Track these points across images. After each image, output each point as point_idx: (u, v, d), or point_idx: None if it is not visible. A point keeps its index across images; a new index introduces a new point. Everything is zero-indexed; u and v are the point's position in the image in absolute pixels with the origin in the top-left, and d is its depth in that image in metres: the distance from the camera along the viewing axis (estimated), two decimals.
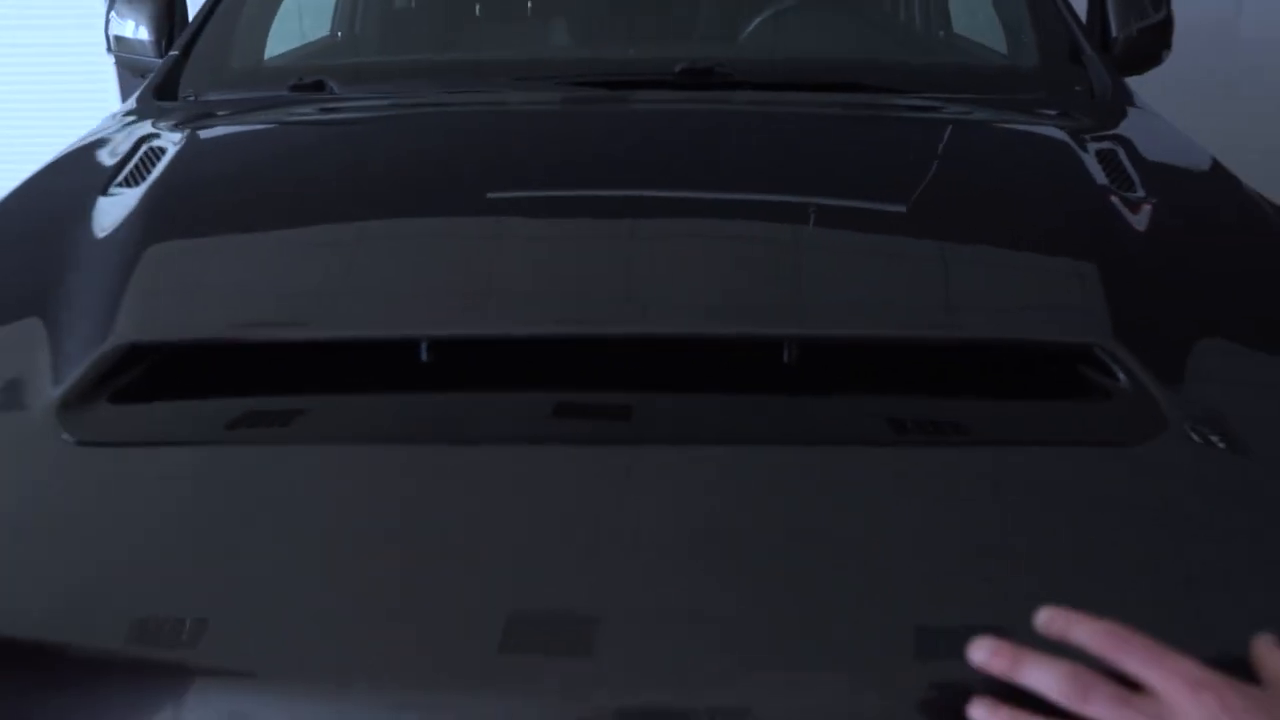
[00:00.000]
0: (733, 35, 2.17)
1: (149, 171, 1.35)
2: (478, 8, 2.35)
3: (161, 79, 1.93)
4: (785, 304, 1.04)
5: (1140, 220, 1.24)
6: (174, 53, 2.02)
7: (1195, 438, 0.87)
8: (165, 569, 0.78)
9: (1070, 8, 2.14)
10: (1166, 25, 2.19)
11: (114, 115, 1.84)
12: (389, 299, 1.05)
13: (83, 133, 1.75)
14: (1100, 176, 1.34)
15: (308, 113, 1.71)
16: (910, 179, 1.34)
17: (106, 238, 1.16)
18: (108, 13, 2.32)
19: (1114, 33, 2.16)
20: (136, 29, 2.23)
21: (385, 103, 1.73)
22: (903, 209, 1.26)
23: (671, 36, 2.10)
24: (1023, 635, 0.67)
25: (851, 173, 1.39)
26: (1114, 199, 1.28)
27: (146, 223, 1.18)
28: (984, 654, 0.67)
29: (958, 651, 0.67)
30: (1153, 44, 2.19)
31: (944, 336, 1.00)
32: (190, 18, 2.27)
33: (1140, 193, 1.33)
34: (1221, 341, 1.02)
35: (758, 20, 2.17)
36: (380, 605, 0.73)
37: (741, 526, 0.79)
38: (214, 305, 1.07)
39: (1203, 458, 0.87)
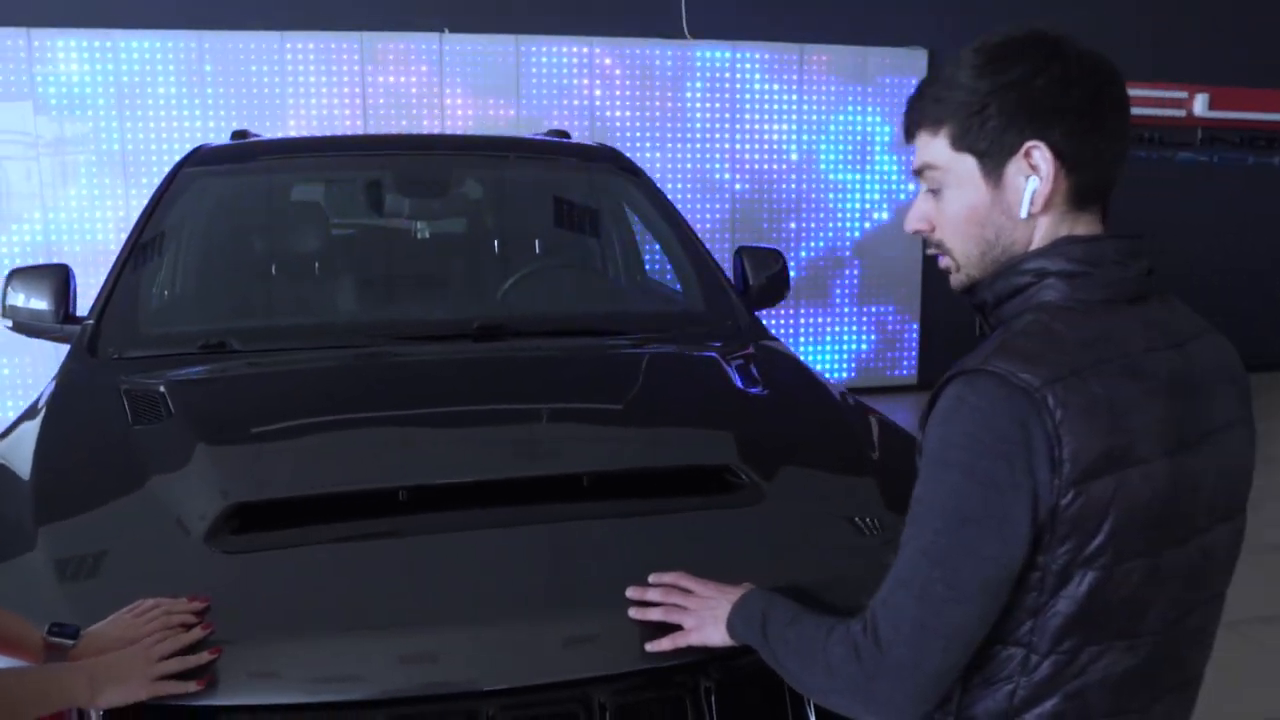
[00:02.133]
0: (489, 297, 3.07)
1: (158, 410, 2.09)
2: (299, 272, 3.15)
3: (88, 342, 2.60)
4: (535, 456, 1.94)
5: (756, 400, 2.26)
6: (90, 321, 2.70)
7: (775, 505, 1.83)
8: (303, 607, 1.54)
9: (718, 266, 3.23)
10: (783, 274, 3.33)
11: (64, 370, 2.49)
12: (364, 468, 1.87)
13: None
14: (736, 378, 2.36)
15: (243, 365, 2.48)
16: (620, 385, 2.32)
17: (170, 450, 1.90)
18: (4, 288, 2.93)
19: (750, 281, 3.28)
20: (36, 300, 2.87)
21: (279, 355, 2.52)
22: (617, 402, 2.23)
23: (451, 300, 3.00)
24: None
25: (579, 384, 2.35)
26: (740, 388, 2.30)
27: (199, 439, 1.92)
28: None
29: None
30: (775, 288, 3.32)
31: (653, 465, 1.92)
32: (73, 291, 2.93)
33: (758, 386, 2.36)
34: (798, 461, 2.01)
35: (508, 283, 3.12)
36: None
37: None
38: (273, 478, 1.85)
39: (779, 513, 1.82)
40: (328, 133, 6.68)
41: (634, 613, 1.49)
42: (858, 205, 7.64)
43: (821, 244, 7.65)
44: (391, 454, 1.95)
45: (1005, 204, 1.21)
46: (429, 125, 6.93)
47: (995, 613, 1.15)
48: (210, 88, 6.70)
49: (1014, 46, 1.21)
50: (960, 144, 1.23)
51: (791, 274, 7.20)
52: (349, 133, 6.70)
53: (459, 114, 7.00)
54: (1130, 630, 1.17)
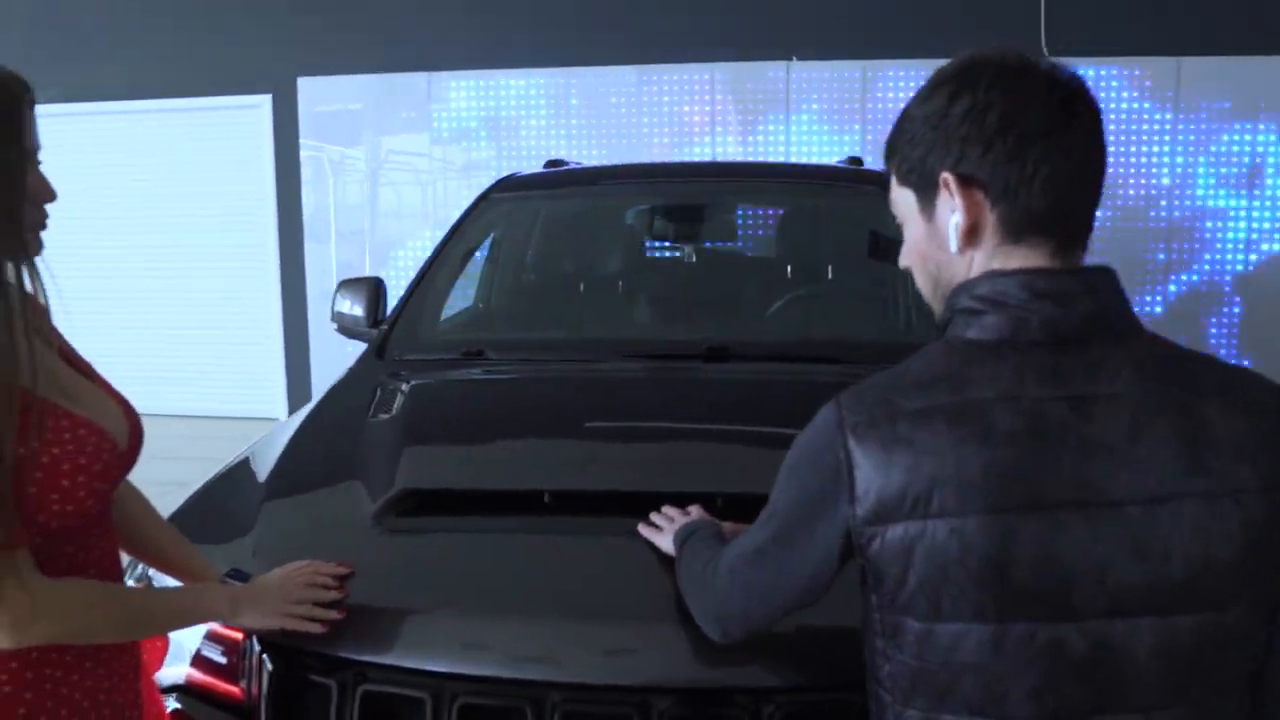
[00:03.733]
0: (752, 320, 3.19)
1: (391, 405, 2.41)
2: (576, 292, 3.44)
3: (378, 345, 3.03)
4: (679, 474, 2.02)
5: None
6: (384, 327, 3.13)
7: None
8: (433, 581, 1.75)
9: None
10: None
11: (350, 370, 2.92)
12: (524, 470, 2.06)
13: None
14: None
15: (478, 372, 2.77)
16: (801, 413, 2.33)
17: (382, 438, 2.20)
18: (335, 296, 3.46)
19: None
20: (354, 306, 3.36)
21: (517, 366, 2.79)
22: (788, 428, 2.25)
23: (704, 322, 3.14)
24: None
25: (764, 408, 2.40)
26: None
27: (402, 433, 2.22)
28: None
29: None
30: None
31: None
32: (388, 301, 3.40)
33: None
34: None
35: (773, 308, 3.22)
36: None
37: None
38: (443, 471, 2.09)
39: None
40: (679, 158, 7.08)
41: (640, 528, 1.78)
42: (1242, 234, 6.87)
43: (1195, 277, 6.95)
44: (555, 459, 2.13)
45: (940, 238, 1.18)
46: (771, 151, 7.12)
47: (799, 601, 1.25)
48: (575, 119, 7.33)
49: (947, 73, 1.17)
50: (900, 177, 1.22)
51: (1157, 309, 6.68)
52: (696, 159, 7.06)
53: (802, 139, 7.13)
54: (993, 710, 1.09)
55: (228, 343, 8.22)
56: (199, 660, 1.79)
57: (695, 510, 1.74)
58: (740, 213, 3.74)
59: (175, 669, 1.81)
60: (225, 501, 2.10)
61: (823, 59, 7.07)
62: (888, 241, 3.55)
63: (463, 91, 7.46)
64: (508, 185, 3.69)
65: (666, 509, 1.78)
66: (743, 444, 2.21)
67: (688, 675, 1.56)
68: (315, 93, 7.71)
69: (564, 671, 1.58)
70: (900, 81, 7.00)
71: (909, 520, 1.07)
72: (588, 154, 7.31)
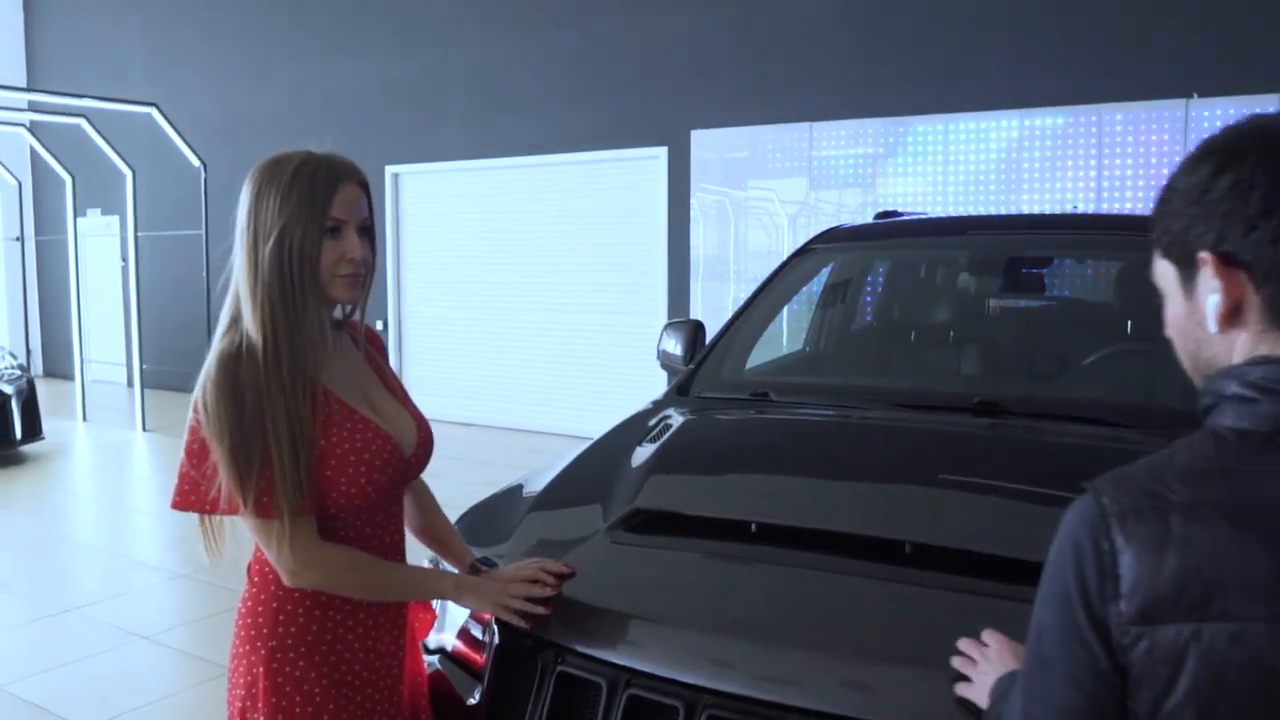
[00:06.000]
0: (1036, 377, 3.14)
1: (661, 436, 2.72)
2: (875, 342, 3.55)
3: (682, 382, 3.35)
4: (883, 519, 2.10)
5: None
6: (691, 366, 3.45)
7: None
8: (640, 590, 2.02)
9: None
10: None
11: (651, 403, 3.27)
12: (772, 505, 2.26)
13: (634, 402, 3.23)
14: None
15: (751, 411, 3.01)
16: (1037, 472, 2.32)
17: (637, 466, 2.51)
18: (660, 335, 3.83)
19: None
20: (675, 346, 3.70)
21: (785, 409, 2.99)
22: (1014, 482, 2.25)
23: (986, 379, 3.14)
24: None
25: (1002, 466, 2.40)
26: None
27: (654, 460, 2.51)
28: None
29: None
30: None
31: (974, 549, 1.97)
32: (706, 342, 3.71)
33: None
34: None
35: (1062, 366, 3.15)
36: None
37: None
38: (676, 496, 2.36)
39: None
40: (1058, 209, 6.85)
41: (953, 659, 1.65)
42: None
43: None
44: (781, 496, 2.31)
45: (1199, 316, 1.11)
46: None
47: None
48: (950, 163, 7.33)
49: (1215, 144, 1.11)
50: (1162, 249, 1.16)
51: None
52: (1076, 209, 6.78)
53: None
54: None
55: (617, 372, 9.05)
56: (462, 633, 2.19)
57: (992, 641, 1.60)
58: (1056, 269, 3.65)
59: (444, 635, 2.22)
60: (502, 511, 2.50)
61: (1228, 94, 6.53)
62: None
63: (841, 139, 7.72)
64: (828, 237, 3.88)
65: (984, 638, 1.62)
66: (955, 495, 2.26)
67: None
68: (706, 143, 8.33)
69: (734, 681, 1.76)
70: None
71: (1184, 622, 1.00)
72: (961, 202, 7.27)
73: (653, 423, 2.88)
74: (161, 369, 12.02)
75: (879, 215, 4.32)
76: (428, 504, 2.15)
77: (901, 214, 4.44)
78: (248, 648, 1.79)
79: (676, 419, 2.88)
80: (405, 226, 10.52)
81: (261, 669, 1.77)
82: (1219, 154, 1.09)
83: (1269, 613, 0.96)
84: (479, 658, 2.09)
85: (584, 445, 2.86)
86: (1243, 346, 1.10)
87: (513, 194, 9.59)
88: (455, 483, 6.73)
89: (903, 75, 7.59)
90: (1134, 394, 2.94)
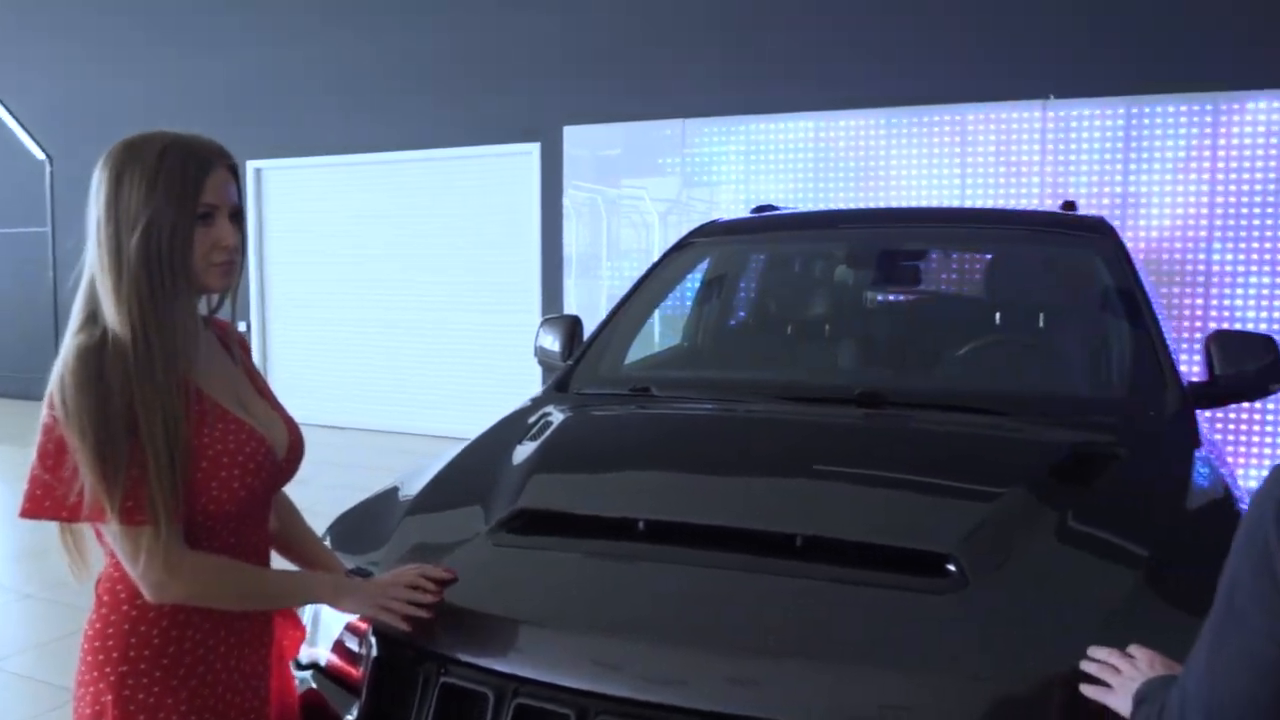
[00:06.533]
0: (919, 367, 3.18)
1: (542, 434, 2.63)
2: (753, 335, 3.54)
3: (561, 378, 3.27)
4: (766, 512, 2.07)
5: (1058, 495, 2.13)
6: (570, 362, 3.38)
7: (975, 600, 1.78)
8: (525, 594, 1.94)
9: (1169, 356, 2.94)
10: (1273, 366, 2.93)
11: (530, 400, 3.18)
12: (659, 502, 2.20)
13: (511, 401, 3.14)
14: (1063, 471, 2.24)
15: (633, 407, 2.95)
16: (917, 460, 2.33)
17: (518, 465, 2.42)
18: (537, 331, 3.74)
19: (1218, 372, 2.94)
20: (553, 341, 3.62)
21: (668, 403, 2.95)
22: (896, 472, 2.25)
23: (867, 370, 3.16)
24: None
25: (879, 454, 2.40)
26: (1059, 482, 2.18)
27: (535, 458, 2.43)
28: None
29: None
30: (1257, 381, 2.93)
31: (863, 539, 1.96)
32: (584, 338, 3.64)
33: (1084, 483, 2.21)
34: (1023, 555, 1.90)
35: (941, 356, 3.20)
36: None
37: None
38: (561, 495, 2.28)
39: (974, 608, 1.78)
40: (925, 203, 7.01)
41: (1084, 664, 1.60)
42: None
43: None
44: (665, 492, 2.26)
45: None
46: (1024, 196, 6.90)
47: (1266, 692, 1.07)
48: (821, 161, 7.44)
49: None
50: None
51: None
52: (943, 203, 6.95)
53: (1060, 182, 6.85)
54: None
55: (491, 369, 8.91)
56: (336, 646, 2.06)
57: (1143, 656, 1.54)
58: (931, 260, 3.71)
59: (317, 649, 2.10)
60: (376, 516, 2.38)
61: (1083, 96, 6.79)
62: (1083, 292, 3.43)
63: (714, 136, 7.75)
64: (707, 230, 3.86)
65: (1106, 656, 1.59)
66: (848, 487, 2.25)
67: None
68: (579, 139, 8.27)
69: (623, 685, 1.70)
70: (1166, 119, 6.60)
71: None
72: (832, 198, 7.39)
73: (533, 420, 2.80)
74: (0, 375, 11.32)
75: (756, 209, 4.33)
76: (288, 513, 2.02)
77: (778, 208, 4.46)
78: (95, 674, 1.64)
79: (557, 416, 2.80)
80: (269, 224, 10.14)
81: (111, 696, 1.62)
82: None
83: None
84: (355, 671, 1.98)
85: (460, 445, 2.76)
86: None
87: (382, 191, 9.34)
88: (321, 489, 6.48)
89: (776, 73, 7.66)
90: (1010, 382, 2.99)
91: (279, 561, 1.95)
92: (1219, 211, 6.50)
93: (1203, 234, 6.53)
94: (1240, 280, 6.48)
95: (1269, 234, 6.42)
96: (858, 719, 1.62)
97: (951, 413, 2.69)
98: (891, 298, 3.66)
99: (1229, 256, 6.49)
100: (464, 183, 8.96)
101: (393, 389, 9.44)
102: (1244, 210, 6.46)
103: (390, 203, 9.31)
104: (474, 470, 2.53)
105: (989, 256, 3.64)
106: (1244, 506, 2.25)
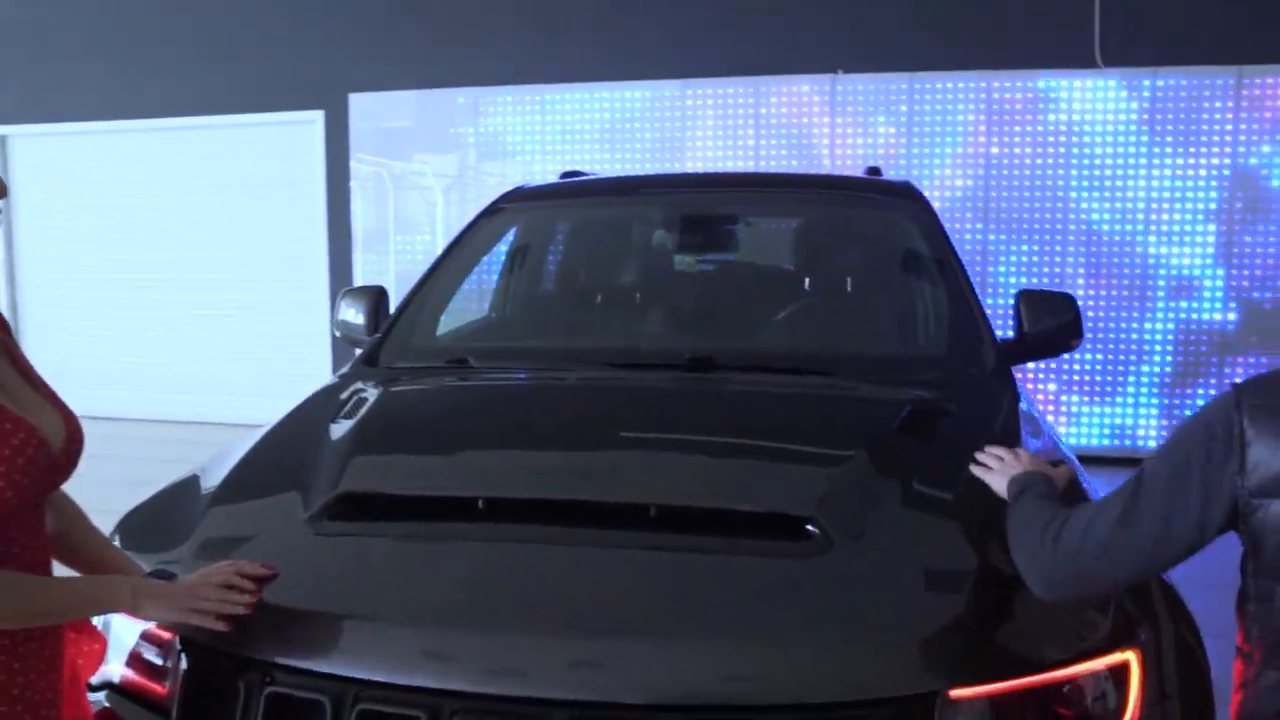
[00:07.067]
0: (744, 331, 3.14)
1: (357, 411, 2.42)
2: (573, 302, 3.43)
3: (370, 352, 3.04)
4: (618, 482, 1.98)
5: (898, 452, 2.11)
6: (379, 335, 3.15)
7: (838, 560, 1.74)
8: (354, 586, 1.75)
9: (981, 313, 3.01)
10: (1074, 323, 3.04)
11: (339, 374, 2.94)
12: (492, 478, 2.04)
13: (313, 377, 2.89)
14: (900, 428, 2.22)
15: (453, 380, 2.77)
16: (760, 423, 2.28)
17: (334, 443, 2.21)
18: (338, 304, 3.48)
19: (1026, 329, 3.03)
20: (356, 315, 3.37)
21: (491, 374, 2.79)
22: (742, 437, 2.20)
23: (694, 334, 3.10)
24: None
25: (724, 419, 2.35)
26: (898, 438, 2.16)
27: (353, 438, 2.22)
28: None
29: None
30: (1060, 337, 3.03)
31: (720, 506, 1.89)
32: (390, 310, 3.41)
33: (921, 438, 2.20)
34: (880, 513, 1.88)
35: (766, 320, 3.18)
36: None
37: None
38: (386, 476, 2.09)
39: (838, 568, 1.73)
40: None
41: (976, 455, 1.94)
42: None
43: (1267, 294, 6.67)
44: (498, 467, 2.12)
45: None
46: (815, 165, 7.05)
47: (1161, 563, 1.42)
48: (620, 133, 7.37)
49: None
50: None
51: (1226, 325, 6.44)
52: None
53: (849, 153, 7.04)
54: None
55: (279, 351, 8.41)
56: (133, 659, 1.81)
57: (1024, 455, 1.87)
58: (746, 224, 3.69)
59: (110, 667, 1.83)
60: (175, 510, 2.12)
61: (869, 71, 6.99)
62: (869, 251, 3.49)
63: (508, 107, 7.54)
64: (517, 195, 3.70)
65: (992, 449, 1.93)
66: (692, 455, 2.16)
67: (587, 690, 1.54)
68: (366, 108, 7.87)
69: (468, 679, 1.56)
70: (946, 95, 6.89)
71: None
72: (629, 170, 7.33)
73: (345, 397, 2.57)
74: None
75: (564, 175, 4.20)
76: (70, 514, 1.76)
77: (587, 174, 4.34)
78: None
79: (372, 392, 2.59)
80: (19, 197, 9.18)
81: None
82: None
83: None
84: (160, 688, 1.73)
85: (262, 429, 2.50)
86: None
87: (152, 160, 8.57)
88: (96, 484, 5.92)
89: (570, 42, 7.51)
90: (839, 343, 2.99)
91: (62, 570, 1.69)
92: (993, 184, 6.85)
93: (979, 205, 6.87)
94: (1009, 250, 6.86)
95: (1037, 205, 6.82)
96: (729, 691, 1.55)
97: (783, 375, 2.65)
98: (711, 261, 3.61)
99: (1001, 226, 6.86)
100: (243, 153, 8.36)
101: (171, 374, 8.73)
102: (1015, 183, 6.83)
103: (163, 174, 8.57)
104: (285, 453, 2.29)
105: (805, 220, 3.64)
106: (1069, 455, 2.33)
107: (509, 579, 1.76)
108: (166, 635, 1.74)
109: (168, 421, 8.71)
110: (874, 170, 4.09)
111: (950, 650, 1.60)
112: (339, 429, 2.31)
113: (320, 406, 2.56)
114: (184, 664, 1.67)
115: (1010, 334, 3.12)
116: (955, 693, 1.53)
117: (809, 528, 1.80)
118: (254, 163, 8.34)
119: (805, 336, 3.05)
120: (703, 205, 3.56)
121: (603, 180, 3.96)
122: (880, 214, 3.44)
